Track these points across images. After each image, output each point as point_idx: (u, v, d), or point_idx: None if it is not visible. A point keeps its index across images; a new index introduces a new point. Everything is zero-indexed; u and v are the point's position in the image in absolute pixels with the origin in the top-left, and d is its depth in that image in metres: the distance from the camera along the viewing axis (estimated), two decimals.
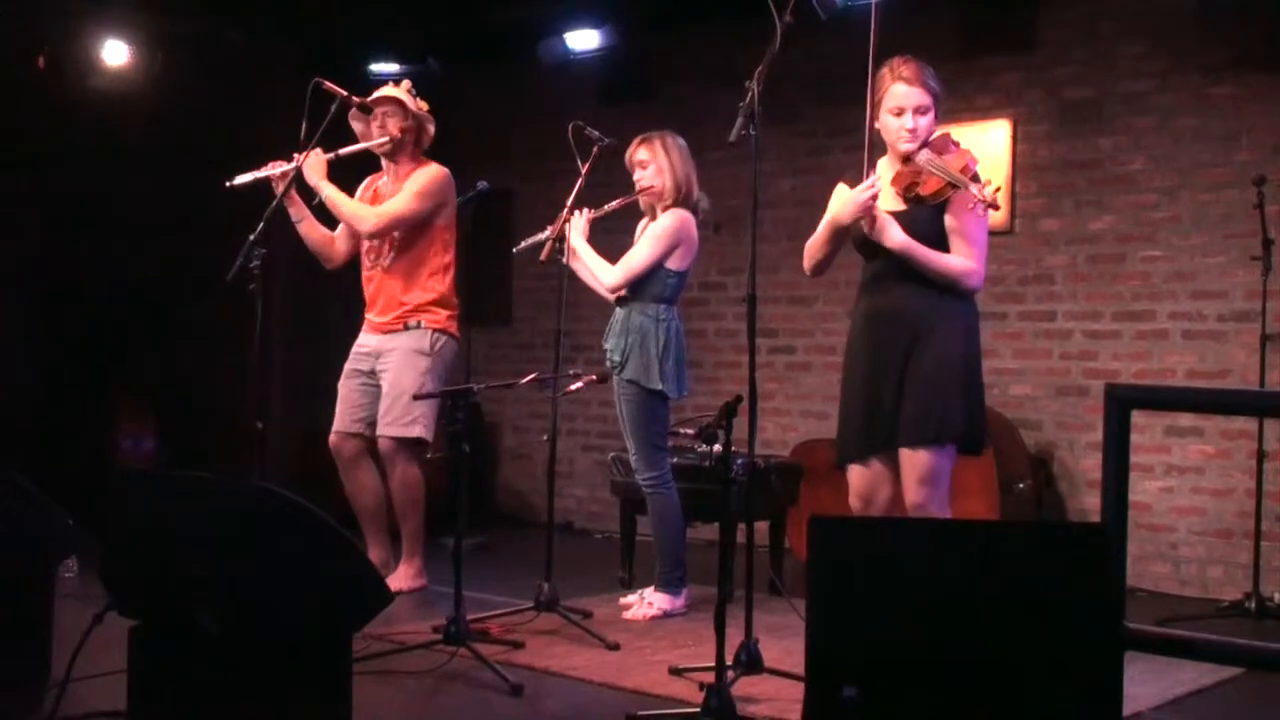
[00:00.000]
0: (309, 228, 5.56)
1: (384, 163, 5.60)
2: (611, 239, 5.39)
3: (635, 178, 5.22)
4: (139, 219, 7.53)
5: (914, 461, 3.97)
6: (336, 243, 5.65)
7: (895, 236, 3.98)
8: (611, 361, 5.18)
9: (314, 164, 5.36)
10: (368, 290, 5.60)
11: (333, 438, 5.54)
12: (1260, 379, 5.43)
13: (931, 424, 3.96)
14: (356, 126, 5.56)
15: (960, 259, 4.02)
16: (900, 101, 4.05)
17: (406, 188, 5.46)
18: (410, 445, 5.47)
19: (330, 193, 5.42)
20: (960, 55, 6.33)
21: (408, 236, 5.47)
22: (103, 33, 7.05)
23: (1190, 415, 5.80)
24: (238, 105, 7.37)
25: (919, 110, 4.04)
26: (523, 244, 5.32)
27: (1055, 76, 6.30)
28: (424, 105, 5.54)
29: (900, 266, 4.03)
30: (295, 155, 5.30)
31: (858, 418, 4.10)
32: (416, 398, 5.22)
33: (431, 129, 5.57)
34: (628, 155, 5.23)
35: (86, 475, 6.55)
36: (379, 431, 5.45)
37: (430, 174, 5.49)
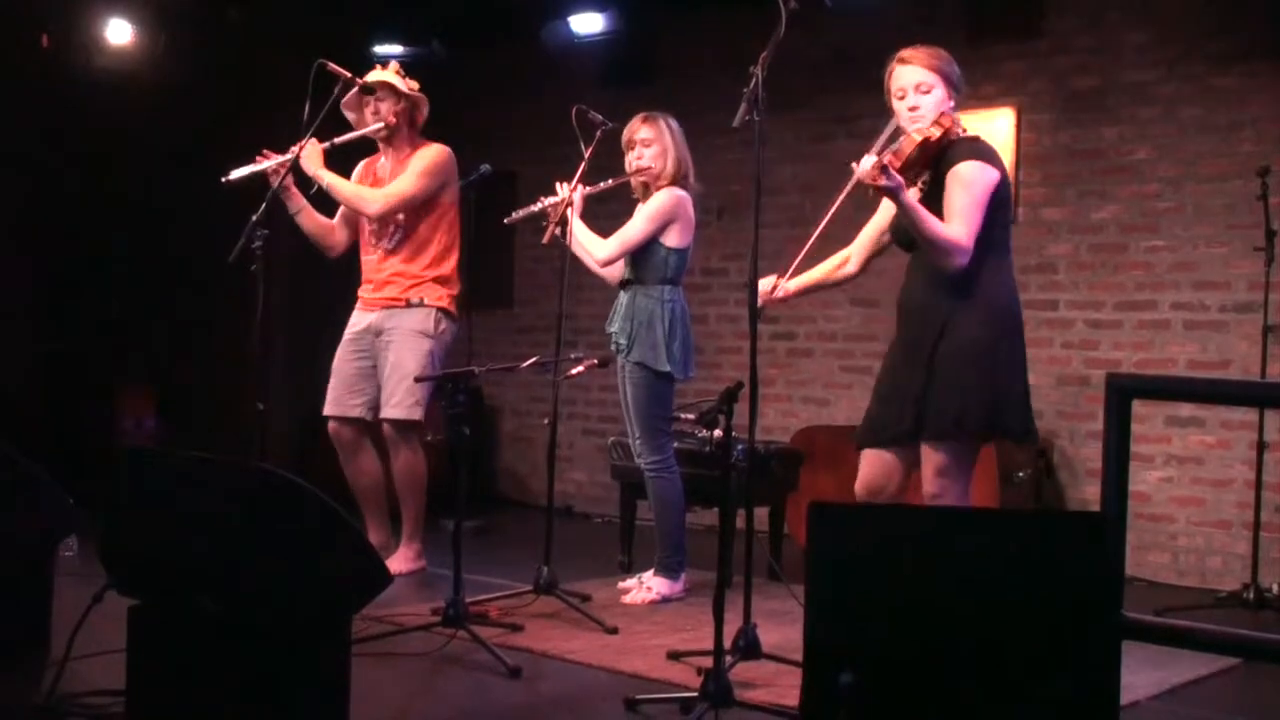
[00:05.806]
0: (307, 217, 5.53)
1: (381, 146, 5.57)
2: (614, 222, 5.38)
3: (634, 154, 5.18)
4: (142, 198, 7.54)
5: (931, 453, 3.95)
6: (336, 231, 5.63)
7: (908, 196, 3.83)
8: (617, 345, 5.17)
9: (311, 155, 5.32)
10: (367, 271, 5.58)
11: (331, 425, 5.53)
12: (1261, 370, 5.43)
13: (949, 418, 3.91)
14: (350, 115, 5.51)
15: (951, 230, 3.87)
16: (900, 82, 4.01)
17: (411, 167, 5.44)
18: (413, 428, 5.48)
19: (330, 180, 5.40)
20: (965, 43, 6.29)
21: (412, 218, 5.46)
22: (106, 12, 7.04)
23: (1191, 406, 5.81)
24: (241, 86, 7.35)
25: (919, 88, 3.97)
26: (516, 214, 5.29)
27: (1060, 65, 6.29)
28: (415, 85, 5.52)
29: (925, 260, 3.98)
30: (291, 147, 5.23)
31: (875, 406, 4.10)
32: (419, 380, 5.22)
33: (425, 108, 5.55)
34: (627, 131, 5.19)
35: (88, 454, 6.58)
36: (383, 414, 5.44)
37: (434, 153, 5.47)
